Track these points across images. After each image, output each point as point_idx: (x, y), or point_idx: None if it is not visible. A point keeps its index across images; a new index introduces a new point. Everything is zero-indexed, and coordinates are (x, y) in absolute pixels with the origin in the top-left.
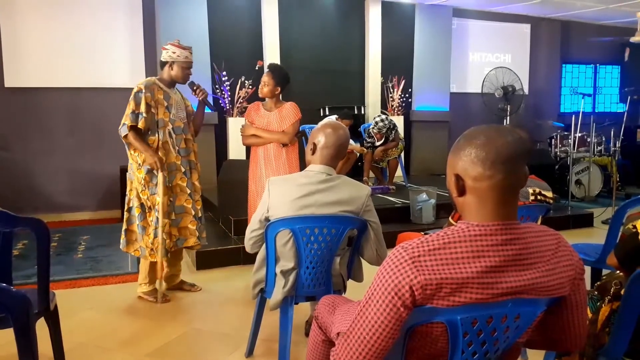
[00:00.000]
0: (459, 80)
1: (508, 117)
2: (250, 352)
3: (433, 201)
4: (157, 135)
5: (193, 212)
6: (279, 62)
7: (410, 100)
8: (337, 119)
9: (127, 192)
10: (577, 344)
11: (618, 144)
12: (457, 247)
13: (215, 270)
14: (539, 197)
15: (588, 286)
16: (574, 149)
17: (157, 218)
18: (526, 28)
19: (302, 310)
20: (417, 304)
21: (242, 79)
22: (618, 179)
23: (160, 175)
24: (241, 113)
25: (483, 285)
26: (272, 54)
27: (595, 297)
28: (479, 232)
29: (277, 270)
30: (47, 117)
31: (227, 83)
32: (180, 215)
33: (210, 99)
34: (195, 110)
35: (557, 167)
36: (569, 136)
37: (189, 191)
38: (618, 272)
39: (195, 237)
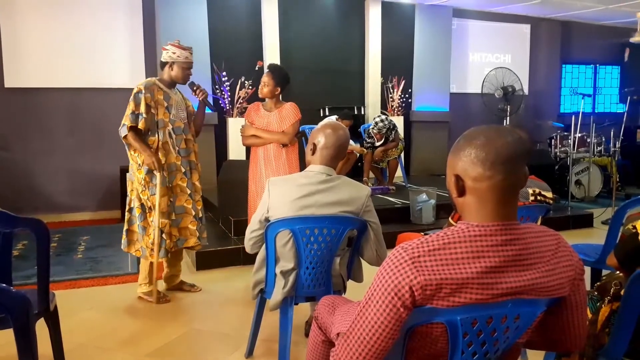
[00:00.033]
0: (458, 81)
1: (508, 118)
2: (250, 352)
3: (433, 201)
4: (157, 135)
5: (193, 213)
6: (278, 63)
7: (410, 100)
8: (337, 120)
9: (128, 193)
10: (577, 345)
11: (618, 145)
12: (457, 247)
13: (215, 270)
14: (538, 197)
15: (588, 286)
16: (573, 150)
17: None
18: (526, 28)
19: (302, 310)
20: (417, 305)
21: (242, 79)
22: (618, 180)
23: (158, 176)
24: (241, 113)
25: (483, 285)
26: (272, 54)
27: (595, 298)
28: (478, 232)
29: (277, 270)
30: (47, 117)
31: (227, 83)
32: (181, 216)
33: (210, 99)
34: (196, 110)
35: (557, 167)
36: (569, 136)
37: (189, 191)
38: (618, 272)
39: (195, 238)
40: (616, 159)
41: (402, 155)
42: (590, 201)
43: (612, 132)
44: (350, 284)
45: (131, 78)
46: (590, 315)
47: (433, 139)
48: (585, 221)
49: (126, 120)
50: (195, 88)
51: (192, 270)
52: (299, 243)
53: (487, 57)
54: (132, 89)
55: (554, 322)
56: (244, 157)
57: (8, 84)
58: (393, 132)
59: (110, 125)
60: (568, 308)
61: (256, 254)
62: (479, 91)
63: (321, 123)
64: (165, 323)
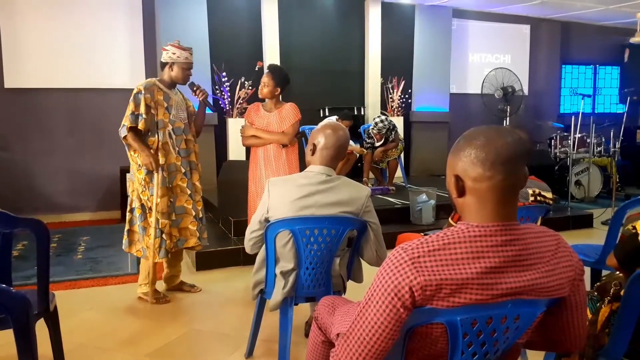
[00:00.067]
0: (458, 81)
1: (508, 118)
2: (250, 352)
3: (433, 202)
4: (157, 136)
5: (193, 213)
6: (278, 63)
7: (410, 101)
8: (337, 120)
9: (129, 193)
10: (577, 345)
11: (618, 145)
12: (457, 247)
13: (215, 271)
14: (538, 197)
15: (588, 287)
16: (573, 150)
17: (157, 218)
18: (526, 29)
19: (302, 311)
20: (416, 305)
21: (242, 79)
22: (618, 180)
23: (156, 176)
24: (241, 114)
25: (483, 286)
26: (271, 54)
27: (595, 298)
28: (478, 232)
29: (277, 271)
30: (47, 117)
31: (227, 84)
32: (181, 216)
33: (210, 100)
34: (196, 110)
35: (556, 167)
36: (569, 137)
37: (189, 192)
38: (618, 272)
39: (195, 238)
40: (616, 159)
41: (402, 155)
42: (590, 202)
43: (611, 133)
44: (350, 284)
45: (131, 78)
46: (590, 316)
47: (433, 139)
48: (585, 222)
49: (126, 121)
50: (195, 88)
51: (192, 271)
52: (299, 243)
53: (487, 58)
54: (132, 90)
55: (554, 323)
56: (243, 158)
57: (8, 84)
58: (393, 133)
59: (110, 126)
60: (568, 308)
61: (256, 254)
62: (479, 91)
63: (321, 123)
64: (165, 323)
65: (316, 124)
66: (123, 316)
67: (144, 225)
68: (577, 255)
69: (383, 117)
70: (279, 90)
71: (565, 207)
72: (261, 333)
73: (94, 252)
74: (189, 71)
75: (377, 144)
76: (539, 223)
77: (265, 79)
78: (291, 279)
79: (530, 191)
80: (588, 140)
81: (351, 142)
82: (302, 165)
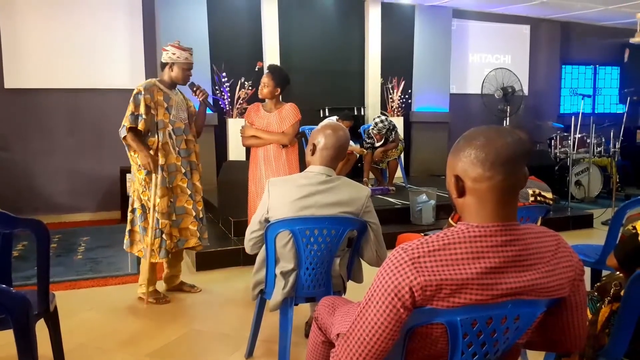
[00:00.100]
0: (458, 81)
1: (508, 118)
2: (250, 353)
3: (433, 202)
4: (157, 136)
5: (194, 213)
6: (278, 63)
7: (410, 101)
8: (337, 120)
9: (131, 194)
10: (577, 345)
11: (618, 145)
12: (457, 248)
13: (215, 271)
14: (538, 198)
15: (588, 287)
16: (573, 150)
17: (157, 219)
18: (526, 29)
19: (302, 311)
20: (416, 305)
21: (242, 80)
22: (618, 180)
23: (154, 177)
24: (241, 114)
25: (483, 286)
26: (271, 55)
27: (595, 298)
28: (478, 233)
29: (277, 271)
30: (47, 117)
31: (227, 84)
32: (181, 216)
33: (210, 100)
34: (197, 110)
35: (556, 168)
36: (569, 137)
37: (189, 192)
38: (618, 273)
39: (196, 238)
40: (616, 159)
41: (402, 155)
42: (590, 202)
43: (611, 133)
44: (350, 284)
45: (131, 79)
46: (590, 316)
47: (433, 139)
48: (585, 222)
49: (126, 122)
50: (195, 89)
51: (192, 271)
52: (299, 244)
53: (487, 58)
54: (132, 90)
55: (554, 323)
56: (243, 158)
57: (8, 84)
58: (393, 133)
59: (110, 126)
60: (568, 309)
61: (256, 254)
62: (479, 92)
63: (321, 124)
64: (166, 324)
65: (316, 125)
66: (123, 316)
67: (144, 226)
68: (577, 256)
69: (383, 118)
70: (279, 90)
71: (565, 207)
72: (261, 333)
73: (94, 253)
74: (189, 71)
75: (377, 144)
76: (539, 223)
77: (265, 79)
78: (291, 279)
79: (531, 191)
80: (588, 141)
81: (351, 143)
82: (302, 166)
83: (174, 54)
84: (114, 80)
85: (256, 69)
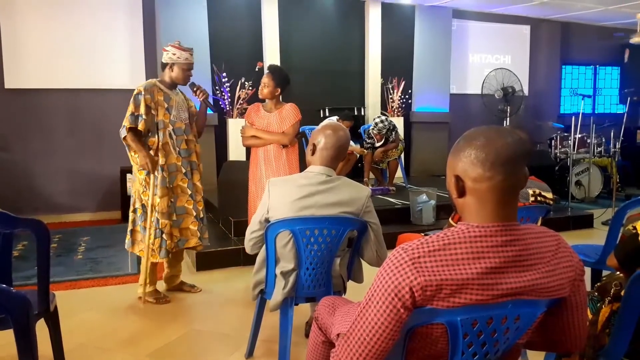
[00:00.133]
0: (458, 82)
1: (508, 118)
2: (250, 353)
3: (433, 202)
4: (157, 136)
5: (194, 213)
6: (279, 64)
7: (410, 101)
8: (338, 120)
9: (132, 194)
10: (577, 345)
11: (618, 145)
12: (457, 248)
13: (215, 271)
14: (539, 198)
15: (588, 287)
16: (573, 150)
17: (157, 219)
18: (526, 29)
19: (302, 311)
20: (417, 305)
21: (242, 80)
22: (618, 180)
23: (152, 177)
24: (241, 114)
25: (483, 286)
26: (272, 55)
27: (595, 298)
28: (479, 233)
29: (277, 271)
30: (47, 117)
31: (227, 84)
32: (182, 216)
33: (210, 100)
34: (198, 110)
35: (557, 168)
36: (569, 137)
37: (189, 192)
38: (618, 273)
39: (196, 238)
40: (616, 159)
41: (402, 155)
42: (591, 202)
43: (612, 133)
44: (350, 284)
45: (131, 79)
46: (590, 316)
47: (433, 139)
48: (586, 222)
49: (126, 122)
50: (195, 89)
51: (192, 271)
52: (299, 244)
53: (487, 58)
54: (132, 90)
55: (554, 323)
56: (244, 158)
57: (8, 84)
58: (393, 133)
59: (110, 126)
60: (568, 309)
61: (256, 254)
62: (479, 92)
63: (322, 124)
64: (166, 324)
65: (316, 125)
66: (123, 316)
67: (144, 226)
68: (577, 256)
69: (383, 118)
70: (279, 90)
71: (565, 207)
72: (261, 333)
73: (94, 253)
74: (189, 72)
75: (377, 145)
76: (539, 223)
77: (265, 79)
78: (291, 279)
79: (531, 191)
80: (588, 141)
81: (351, 143)
82: (303, 166)
83: (174, 54)
84: (114, 80)
85: (256, 69)
